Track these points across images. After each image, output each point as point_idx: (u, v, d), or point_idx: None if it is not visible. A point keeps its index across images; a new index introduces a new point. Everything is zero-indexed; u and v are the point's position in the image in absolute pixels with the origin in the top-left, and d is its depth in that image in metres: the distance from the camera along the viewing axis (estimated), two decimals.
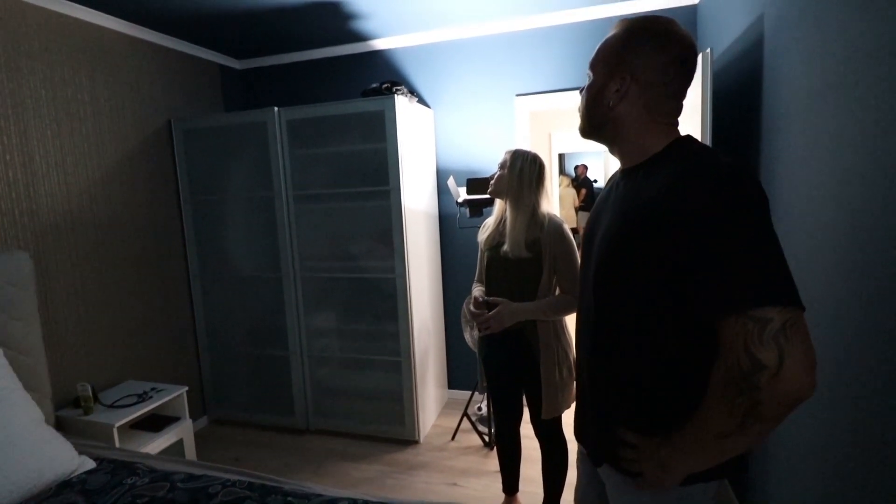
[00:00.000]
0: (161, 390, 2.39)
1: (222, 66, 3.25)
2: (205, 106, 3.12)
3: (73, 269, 2.32)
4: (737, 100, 1.90)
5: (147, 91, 2.71)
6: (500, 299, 1.69)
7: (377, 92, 2.54)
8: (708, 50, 1.83)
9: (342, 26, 2.78)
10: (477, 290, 1.85)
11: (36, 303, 2.06)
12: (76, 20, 2.33)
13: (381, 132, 2.51)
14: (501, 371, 1.85)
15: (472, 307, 1.73)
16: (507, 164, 1.75)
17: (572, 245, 1.71)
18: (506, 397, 1.90)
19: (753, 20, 1.77)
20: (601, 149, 8.79)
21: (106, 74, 2.48)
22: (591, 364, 0.94)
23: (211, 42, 2.96)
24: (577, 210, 7.64)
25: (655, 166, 0.85)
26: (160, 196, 2.79)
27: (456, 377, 3.23)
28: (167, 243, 2.83)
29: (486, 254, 1.84)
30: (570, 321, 1.77)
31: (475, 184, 2.37)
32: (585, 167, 8.29)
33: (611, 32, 0.91)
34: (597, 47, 0.92)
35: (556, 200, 6.05)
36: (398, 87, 2.51)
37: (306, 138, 2.67)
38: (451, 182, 2.47)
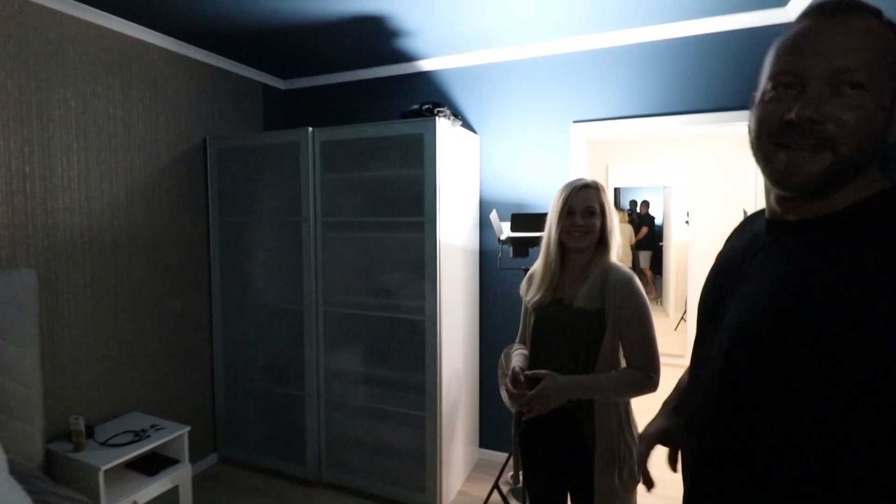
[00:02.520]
0: (162, 429, 2.18)
1: (266, 86, 3.16)
2: (245, 125, 3.01)
3: (86, 289, 2.19)
4: None
5: (185, 108, 2.62)
6: (544, 372, 1.32)
7: (417, 114, 2.31)
8: None
9: (387, 44, 2.60)
10: (518, 358, 1.50)
11: (37, 325, 1.91)
12: (115, 33, 2.26)
13: (419, 157, 2.27)
14: (542, 465, 1.47)
15: (509, 384, 1.38)
16: (605, 206, 1.41)
17: (645, 305, 1.34)
18: (546, 500, 1.50)
19: None
20: (658, 185, 8.20)
21: (142, 89, 2.40)
22: (711, 480, 0.67)
23: (255, 60, 2.87)
24: (633, 248, 7.13)
25: (850, 224, 0.59)
26: (188, 216, 2.66)
27: (489, 436, 2.85)
28: (191, 267, 2.68)
29: (532, 313, 1.50)
30: (637, 404, 1.40)
31: (521, 220, 2.06)
32: (647, 203, 7.78)
33: (868, 20, 0.58)
34: (858, 36, 0.57)
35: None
36: (440, 109, 2.27)
37: (340, 161, 2.47)
38: (493, 216, 2.17)
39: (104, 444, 2.01)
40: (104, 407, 2.26)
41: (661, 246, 7.12)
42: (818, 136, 0.57)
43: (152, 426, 2.19)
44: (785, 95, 0.61)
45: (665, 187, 7.92)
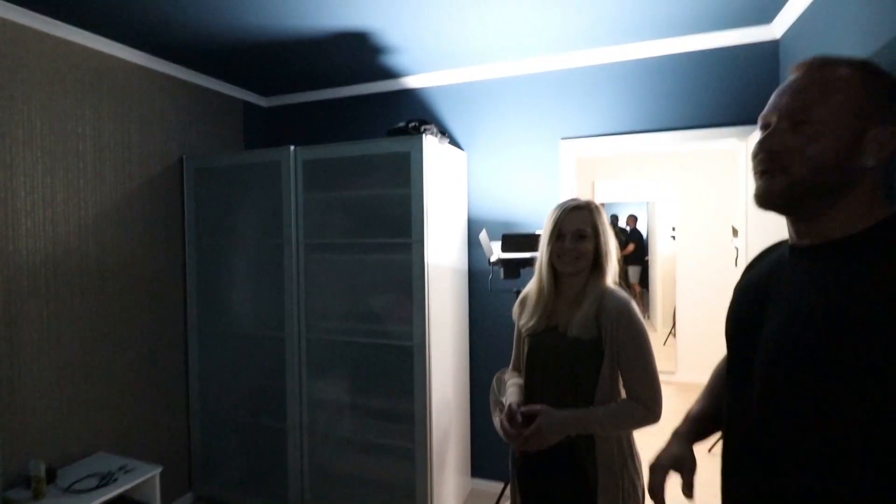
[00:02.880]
0: (130, 470, 2.03)
1: (247, 103, 3.07)
2: (225, 144, 2.91)
3: (50, 319, 2.04)
4: None
5: (160, 126, 2.51)
6: (539, 407, 1.24)
7: (403, 131, 2.24)
8: None
9: (372, 61, 2.54)
10: (512, 390, 1.42)
11: None
12: (85, 48, 2.16)
13: (405, 176, 2.19)
14: (542, 501, 1.38)
15: (505, 421, 1.29)
16: (598, 228, 1.34)
17: (643, 333, 1.27)
18: None
19: (879, 48, 1.37)
20: (643, 200, 8.26)
21: (115, 106, 2.29)
22: None
23: (235, 77, 2.78)
24: (621, 263, 7.10)
25: (866, 247, 0.67)
26: (163, 239, 2.53)
27: (481, 465, 2.73)
28: (166, 293, 2.54)
29: (526, 339, 1.42)
30: (639, 436, 1.32)
31: (512, 240, 1.99)
32: (635, 218, 7.80)
33: (826, 72, 0.70)
34: (801, 89, 0.71)
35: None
36: (427, 126, 2.20)
37: (323, 181, 2.38)
38: (483, 236, 2.09)
39: (67, 489, 1.85)
40: (68, 448, 2.09)
41: (647, 260, 7.15)
42: (774, 161, 0.70)
43: (120, 468, 2.03)
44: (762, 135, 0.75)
45: (648, 202, 8.00)
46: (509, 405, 1.30)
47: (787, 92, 0.72)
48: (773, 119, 0.72)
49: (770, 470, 0.70)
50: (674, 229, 5.68)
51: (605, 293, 1.31)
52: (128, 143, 2.36)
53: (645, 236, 8.01)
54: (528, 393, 1.37)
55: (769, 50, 2.22)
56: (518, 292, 2.12)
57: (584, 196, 4.86)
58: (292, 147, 2.38)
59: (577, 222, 1.33)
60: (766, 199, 0.73)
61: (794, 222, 0.75)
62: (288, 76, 2.78)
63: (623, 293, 1.32)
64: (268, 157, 2.43)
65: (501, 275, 2.07)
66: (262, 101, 3.18)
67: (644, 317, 1.33)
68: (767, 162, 0.71)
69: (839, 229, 0.69)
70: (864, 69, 0.69)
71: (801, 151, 0.68)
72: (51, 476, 1.90)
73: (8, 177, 1.91)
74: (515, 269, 2.04)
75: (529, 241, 2.01)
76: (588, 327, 1.27)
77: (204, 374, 2.63)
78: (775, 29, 2.17)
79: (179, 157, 2.62)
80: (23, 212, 1.96)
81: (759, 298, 0.77)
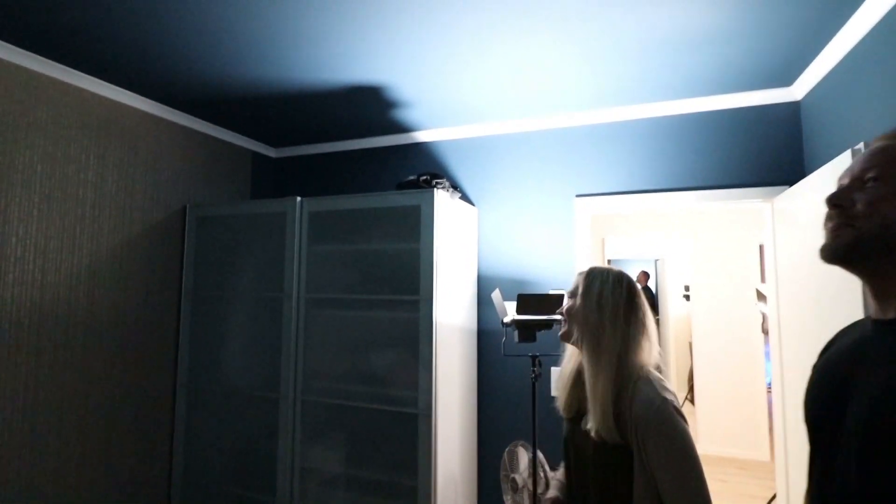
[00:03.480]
0: None
1: (255, 153, 3.05)
2: (232, 194, 2.86)
3: (28, 377, 1.89)
4: None
5: (165, 174, 2.46)
6: None
7: (414, 185, 2.18)
8: (860, 145, 1.35)
9: (384, 114, 2.52)
10: (554, 483, 1.25)
11: None
12: (94, 95, 2.14)
13: (415, 231, 2.10)
14: None
15: None
16: (580, 288, 1.20)
17: (680, 444, 1.01)
18: None
19: None
20: (652, 257, 8.14)
21: (120, 153, 2.25)
22: None
23: (244, 128, 2.77)
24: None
25: None
26: (158, 290, 2.41)
27: None
28: (156, 346, 2.39)
29: (564, 422, 1.26)
30: None
31: (528, 301, 1.86)
32: (647, 275, 7.66)
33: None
34: (877, 155, 0.73)
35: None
36: (439, 181, 2.13)
37: (329, 233, 2.29)
38: (496, 296, 1.97)
39: None
40: None
41: (658, 319, 6.94)
42: (841, 216, 0.72)
43: None
44: None
45: (658, 259, 7.88)
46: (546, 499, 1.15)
47: (862, 157, 0.75)
48: (846, 180, 0.75)
49: None
50: (687, 289, 5.51)
51: (635, 380, 1.09)
52: (131, 189, 2.30)
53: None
54: (568, 490, 1.21)
55: (790, 111, 2.18)
56: (534, 357, 1.96)
57: (593, 253, 4.68)
58: (299, 198, 2.31)
59: (573, 283, 1.22)
60: (831, 253, 0.73)
61: (872, 290, 0.73)
62: (298, 128, 2.76)
63: (654, 387, 1.08)
64: (273, 207, 2.36)
65: (516, 338, 1.92)
66: (271, 152, 3.16)
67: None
68: (836, 216, 0.73)
69: None
70: None
71: (868, 206, 0.69)
72: None
73: (1, 222, 1.82)
74: (531, 333, 1.89)
75: (547, 302, 1.87)
76: (609, 430, 1.07)
77: (191, 437, 2.43)
78: (795, 91, 2.13)
79: (183, 206, 2.55)
80: (12, 259, 1.86)
81: (841, 378, 0.73)
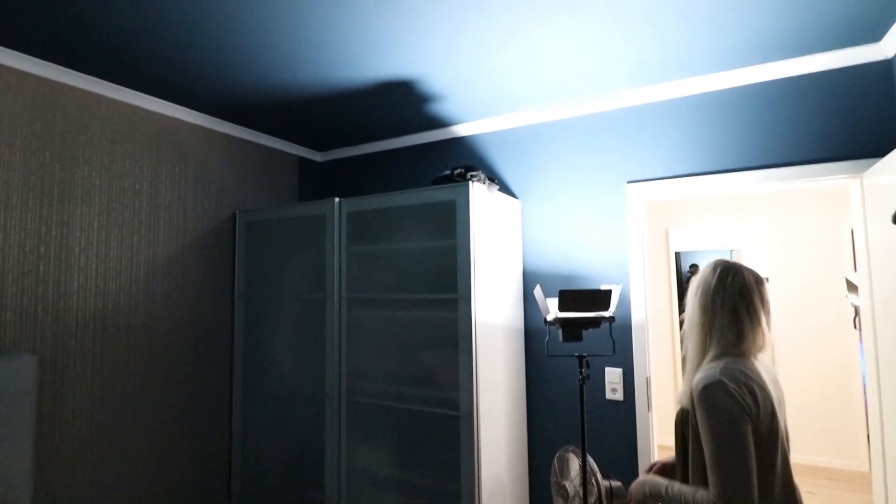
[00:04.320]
0: None
1: (301, 159, 3.11)
2: (280, 199, 2.93)
3: (95, 377, 2.02)
4: None
5: (215, 183, 2.56)
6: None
7: (449, 179, 2.10)
8: None
9: (420, 110, 2.46)
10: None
11: (33, 418, 1.73)
12: (145, 110, 2.25)
13: (451, 227, 2.02)
14: None
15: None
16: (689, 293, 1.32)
17: (712, 422, 1.10)
18: None
19: None
20: (726, 248, 7.64)
21: (171, 165, 2.36)
22: None
23: (288, 133, 2.83)
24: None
25: None
26: (212, 295, 2.51)
27: None
28: (212, 349, 2.49)
29: None
30: None
31: (571, 297, 1.72)
32: (697, 267, 7.12)
33: None
34: None
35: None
36: (473, 173, 2.04)
37: (368, 233, 2.27)
38: (538, 292, 1.85)
39: None
40: None
41: None
42: None
43: None
44: None
45: (733, 250, 7.28)
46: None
47: None
48: None
49: None
50: (767, 280, 5.03)
51: (708, 369, 1.18)
52: (183, 199, 2.40)
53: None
54: None
55: (880, 71, 1.87)
56: (580, 357, 1.82)
57: (654, 245, 4.42)
58: (337, 199, 2.31)
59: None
60: None
61: None
62: (339, 130, 2.77)
63: (708, 374, 1.15)
64: (314, 209, 2.38)
65: (560, 337, 1.80)
66: (317, 157, 3.21)
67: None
68: None
69: None
70: None
71: None
72: None
73: (64, 234, 1.96)
74: (577, 331, 1.75)
75: (594, 298, 1.73)
76: (682, 396, 1.25)
77: (247, 435, 2.51)
78: (887, 47, 1.83)
79: (233, 213, 2.64)
80: (76, 268, 1.99)
81: None
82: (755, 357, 1.20)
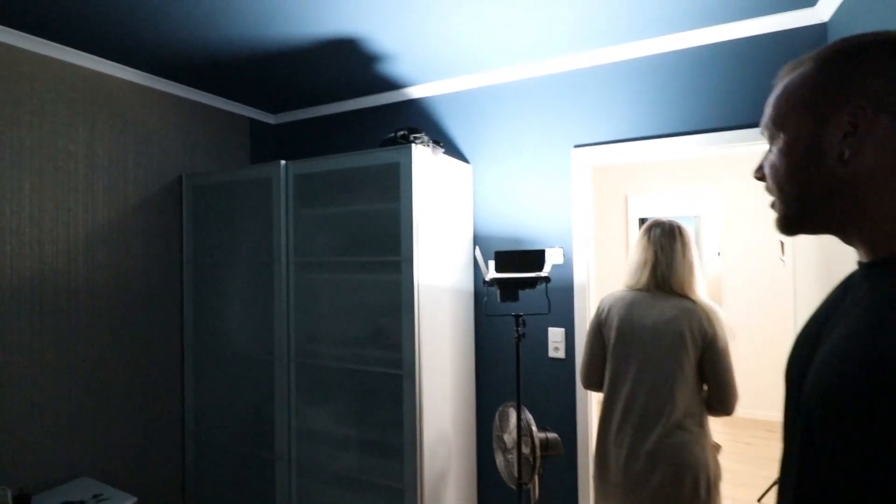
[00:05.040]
0: (105, 499, 1.93)
1: (254, 121, 3.03)
2: (231, 162, 2.87)
3: (33, 341, 2.00)
4: None
5: (158, 145, 2.49)
6: None
7: (394, 142, 2.09)
8: None
9: (371, 71, 2.42)
10: None
11: None
12: (80, 68, 2.16)
13: (396, 190, 2.03)
14: None
15: None
16: None
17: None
18: None
19: None
20: (688, 214, 7.82)
21: (109, 126, 2.28)
22: None
23: (237, 94, 2.74)
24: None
25: None
26: (160, 260, 2.48)
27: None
28: (161, 313, 2.48)
29: None
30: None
31: (506, 258, 1.76)
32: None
33: (793, 72, 0.63)
34: (773, 99, 0.65)
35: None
36: (417, 136, 2.03)
37: (316, 196, 2.26)
38: (477, 254, 1.88)
39: None
40: (48, 473, 2.03)
41: None
42: (768, 189, 0.65)
43: (94, 496, 1.94)
44: None
45: (696, 217, 7.43)
46: None
47: (768, 103, 0.65)
48: (766, 134, 0.67)
49: None
50: (720, 248, 5.19)
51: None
52: (123, 161, 2.34)
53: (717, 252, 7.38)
54: None
55: (816, 35, 1.91)
56: (517, 317, 1.88)
57: (616, 210, 4.52)
58: (283, 162, 2.27)
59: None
60: (779, 229, 0.66)
61: (845, 241, 0.63)
62: (290, 91, 2.70)
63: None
64: (260, 172, 2.34)
65: (498, 297, 1.84)
66: (271, 119, 3.13)
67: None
68: (768, 187, 0.66)
69: (890, 238, 0.56)
70: (823, 55, 0.59)
71: (781, 170, 0.62)
72: (24, 502, 1.82)
73: None
74: (513, 292, 1.80)
75: (528, 259, 1.77)
76: None
77: (199, 397, 2.53)
78: (821, 11, 1.86)
79: (179, 176, 2.58)
80: (7, 231, 1.94)
81: (816, 332, 0.62)
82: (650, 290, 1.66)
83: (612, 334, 1.63)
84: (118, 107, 2.32)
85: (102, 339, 2.22)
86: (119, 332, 2.29)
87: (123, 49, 2.11)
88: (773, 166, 0.63)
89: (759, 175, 0.66)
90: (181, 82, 2.52)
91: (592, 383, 1.74)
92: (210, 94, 2.71)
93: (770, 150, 0.64)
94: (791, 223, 0.63)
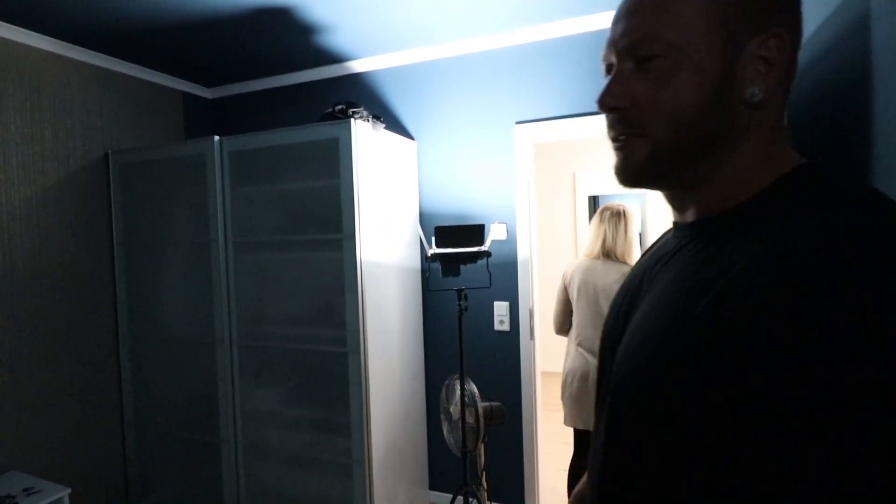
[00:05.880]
0: (37, 492, 1.85)
1: (188, 95, 2.88)
2: (164, 139, 2.72)
3: None
4: (834, 103, 1.24)
5: (80, 120, 2.32)
6: None
7: (332, 116, 2.04)
8: None
9: (308, 43, 2.33)
10: None
11: None
12: None
13: (335, 166, 1.99)
14: None
15: None
16: None
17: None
18: None
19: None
20: (635, 191, 8.09)
21: (21, 98, 2.10)
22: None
23: (167, 66, 2.59)
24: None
25: (753, 219, 0.45)
26: (87, 241, 2.34)
27: (440, 477, 2.53)
28: (92, 300, 2.35)
29: None
30: None
31: (447, 233, 1.78)
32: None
33: None
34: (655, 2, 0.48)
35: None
36: (356, 110, 2.00)
37: (253, 174, 2.19)
38: (419, 229, 1.89)
39: None
40: None
41: None
42: (626, 123, 0.50)
43: (25, 490, 1.85)
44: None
45: (643, 193, 7.67)
46: None
47: (623, 15, 0.50)
48: (613, 59, 0.51)
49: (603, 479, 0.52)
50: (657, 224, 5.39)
51: None
52: (39, 137, 2.17)
53: (639, 233, 7.67)
54: None
55: None
56: (459, 291, 1.91)
57: (564, 187, 4.61)
58: (217, 137, 2.18)
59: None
60: (624, 177, 0.52)
61: (671, 197, 0.55)
62: (224, 64, 2.58)
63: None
64: (193, 149, 2.24)
65: (440, 272, 1.86)
66: (206, 93, 2.98)
67: None
68: (619, 125, 0.51)
69: (726, 197, 0.48)
70: None
71: (653, 104, 0.47)
72: None
73: None
74: (454, 266, 1.83)
75: (468, 234, 1.80)
76: None
77: (138, 384, 2.44)
78: None
79: (105, 153, 2.43)
80: None
81: (630, 298, 0.57)
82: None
83: (574, 293, 2.12)
84: (31, 77, 2.14)
85: (23, 326, 2.09)
86: (43, 319, 2.16)
87: (37, 15, 1.94)
88: (640, 100, 0.48)
89: (624, 102, 0.49)
90: (105, 52, 2.35)
91: (563, 330, 2.22)
92: (138, 66, 2.54)
93: (623, 78, 0.49)
94: (653, 170, 0.50)
